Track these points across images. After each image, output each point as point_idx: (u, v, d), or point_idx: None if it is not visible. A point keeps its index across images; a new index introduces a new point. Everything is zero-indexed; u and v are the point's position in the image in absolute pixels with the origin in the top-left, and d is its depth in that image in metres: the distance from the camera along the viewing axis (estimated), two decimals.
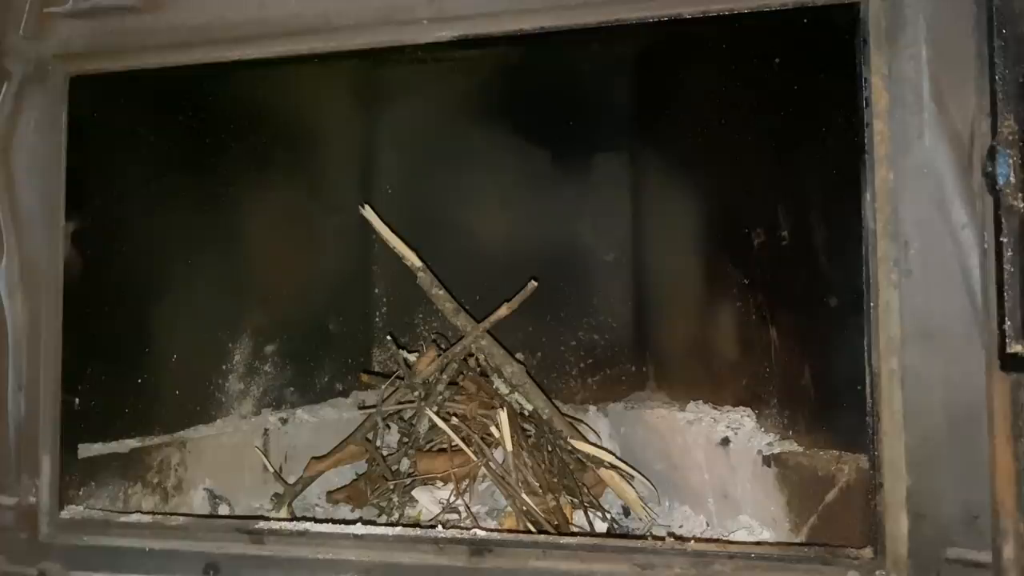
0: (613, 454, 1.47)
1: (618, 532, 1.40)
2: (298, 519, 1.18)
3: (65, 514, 1.15)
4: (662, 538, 1.00)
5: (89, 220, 1.20)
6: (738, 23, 0.99)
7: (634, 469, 1.42)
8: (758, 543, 1.14)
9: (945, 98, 0.87)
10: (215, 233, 1.47)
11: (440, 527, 1.07)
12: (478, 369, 1.56)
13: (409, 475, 1.45)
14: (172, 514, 1.27)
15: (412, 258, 1.53)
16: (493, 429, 1.40)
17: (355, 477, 1.56)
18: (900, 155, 0.88)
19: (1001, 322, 0.81)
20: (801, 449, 1.18)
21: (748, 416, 1.33)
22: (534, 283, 1.51)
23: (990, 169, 0.81)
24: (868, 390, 0.90)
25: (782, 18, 0.96)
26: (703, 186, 1.50)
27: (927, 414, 0.87)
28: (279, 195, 1.63)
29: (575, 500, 1.41)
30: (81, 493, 1.20)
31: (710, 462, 1.38)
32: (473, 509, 1.38)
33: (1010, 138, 0.80)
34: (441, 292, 1.54)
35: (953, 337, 0.86)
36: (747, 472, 1.29)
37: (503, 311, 1.52)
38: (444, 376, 1.52)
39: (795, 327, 1.21)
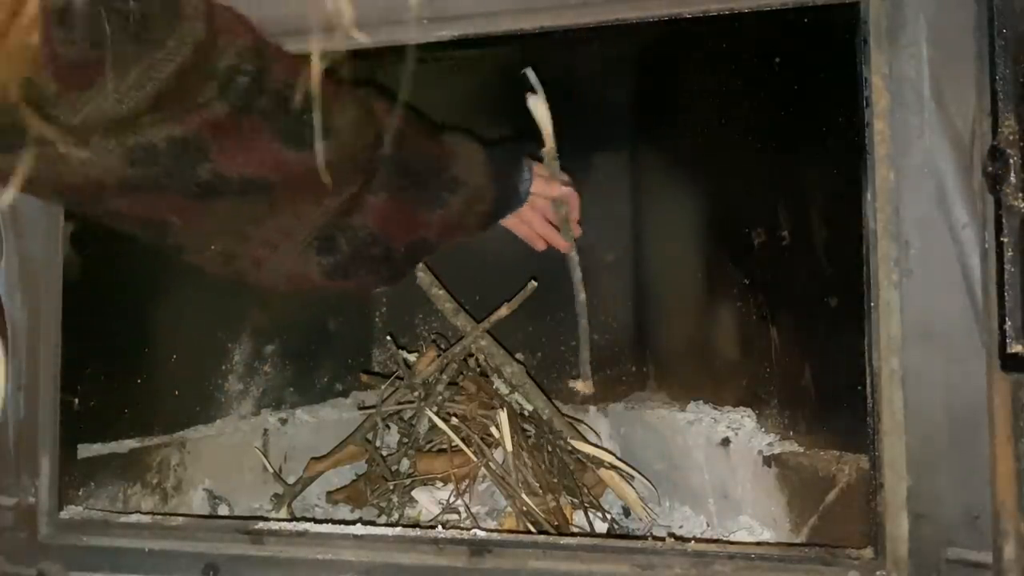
0: (613, 454, 1.47)
1: (618, 533, 1.39)
2: (298, 519, 1.18)
3: (65, 514, 1.15)
4: (662, 538, 1.00)
5: (89, 220, 1.19)
6: (738, 23, 0.99)
7: (634, 469, 1.42)
8: (758, 543, 1.14)
9: (946, 98, 0.87)
10: None
11: (440, 527, 1.07)
12: (478, 369, 1.56)
13: (409, 475, 1.44)
14: (172, 514, 1.27)
15: None
16: (493, 429, 1.39)
17: (355, 477, 1.56)
18: (900, 155, 0.88)
19: (1001, 322, 0.80)
20: (801, 449, 1.18)
21: (748, 416, 1.33)
22: (534, 283, 1.51)
23: (991, 169, 0.81)
24: (868, 390, 0.90)
25: (782, 18, 0.96)
26: (703, 186, 1.50)
27: (927, 414, 0.87)
28: None
29: (575, 500, 1.40)
30: (81, 493, 1.20)
31: (710, 462, 1.38)
32: (473, 509, 1.38)
33: (1011, 138, 0.80)
34: (441, 292, 1.54)
35: (954, 337, 0.86)
36: (747, 472, 1.28)
37: (503, 311, 1.51)
38: (444, 376, 1.52)
39: (795, 327, 1.21)
